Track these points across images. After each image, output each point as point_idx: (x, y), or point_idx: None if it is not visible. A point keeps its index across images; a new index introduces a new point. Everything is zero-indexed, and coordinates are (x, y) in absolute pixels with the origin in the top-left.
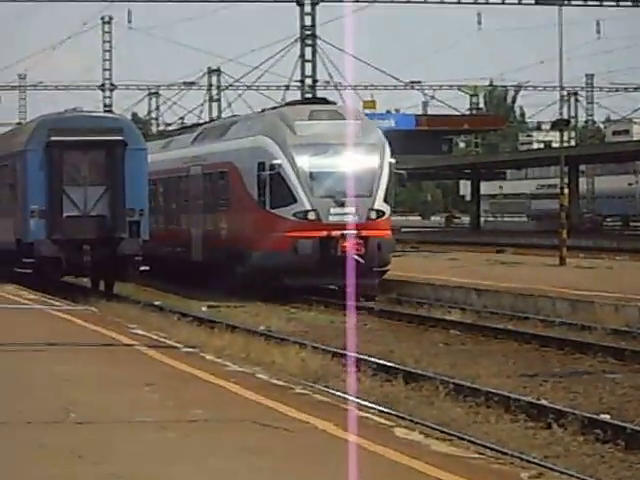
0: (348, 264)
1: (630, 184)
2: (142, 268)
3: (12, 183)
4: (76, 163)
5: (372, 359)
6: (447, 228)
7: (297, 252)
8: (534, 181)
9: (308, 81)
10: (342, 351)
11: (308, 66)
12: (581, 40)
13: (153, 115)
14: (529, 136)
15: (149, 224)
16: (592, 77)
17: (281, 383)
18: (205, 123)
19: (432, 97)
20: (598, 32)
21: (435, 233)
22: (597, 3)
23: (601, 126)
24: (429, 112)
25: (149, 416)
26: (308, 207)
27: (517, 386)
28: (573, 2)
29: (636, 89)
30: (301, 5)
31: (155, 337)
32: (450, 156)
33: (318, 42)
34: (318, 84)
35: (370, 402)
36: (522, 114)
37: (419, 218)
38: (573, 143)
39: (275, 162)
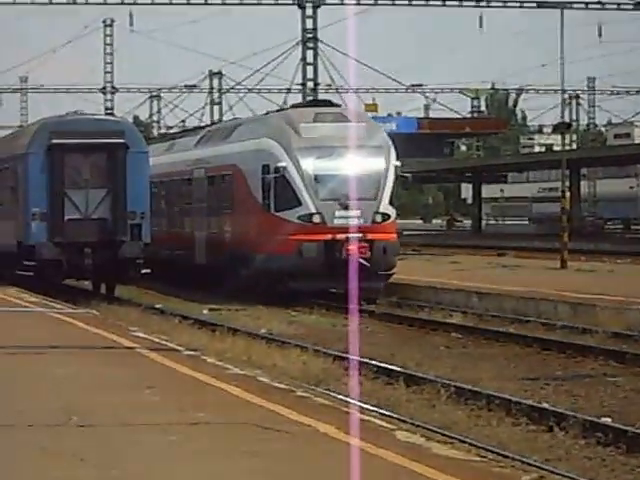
0: (353, 267)
1: (631, 187)
2: (143, 271)
3: (13, 186)
4: (77, 166)
5: (373, 362)
6: (448, 231)
7: (302, 255)
8: (535, 184)
9: (310, 84)
10: (343, 354)
11: (309, 69)
12: (583, 43)
13: (154, 118)
14: (530, 139)
15: (151, 227)
16: (594, 80)
17: (282, 386)
18: (208, 125)
19: (434, 100)
20: (600, 35)
21: (436, 236)
22: (598, 6)
23: (603, 129)
24: (431, 115)
25: (150, 419)
26: (313, 210)
27: (518, 389)
28: (574, 5)
29: (638, 92)
30: (302, 8)
31: (156, 340)
32: (451, 159)
33: (320, 45)
34: (320, 87)
35: (371, 405)
36: (524, 117)
37: (420, 221)
38: (575, 146)
39: (280, 165)
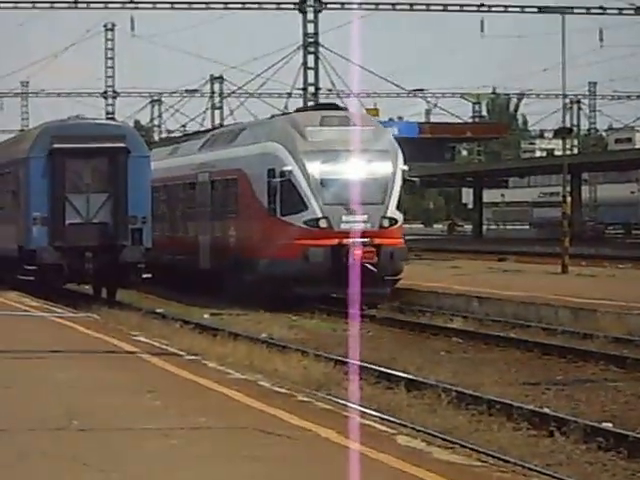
0: (359, 273)
1: (632, 192)
2: (144, 275)
3: (15, 190)
4: (79, 170)
5: (374, 367)
6: (449, 236)
7: (308, 260)
8: (536, 189)
9: (311, 89)
10: (344, 359)
11: (311, 74)
12: (584, 48)
13: (155, 122)
14: (532, 144)
15: (154, 231)
16: (595, 85)
17: (283, 391)
18: (212, 129)
19: (435, 105)
20: (601, 40)
21: (437, 241)
22: (600, 11)
23: (604, 134)
24: (432, 120)
25: (152, 423)
26: (319, 214)
27: (519, 394)
28: (576, 10)
29: (639, 97)
30: (304, 13)
31: (157, 344)
32: (453, 164)
33: (321, 49)
34: (321, 92)
35: (372, 410)
36: (525, 122)
37: (421, 226)
38: (576, 151)
39: (286, 169)
